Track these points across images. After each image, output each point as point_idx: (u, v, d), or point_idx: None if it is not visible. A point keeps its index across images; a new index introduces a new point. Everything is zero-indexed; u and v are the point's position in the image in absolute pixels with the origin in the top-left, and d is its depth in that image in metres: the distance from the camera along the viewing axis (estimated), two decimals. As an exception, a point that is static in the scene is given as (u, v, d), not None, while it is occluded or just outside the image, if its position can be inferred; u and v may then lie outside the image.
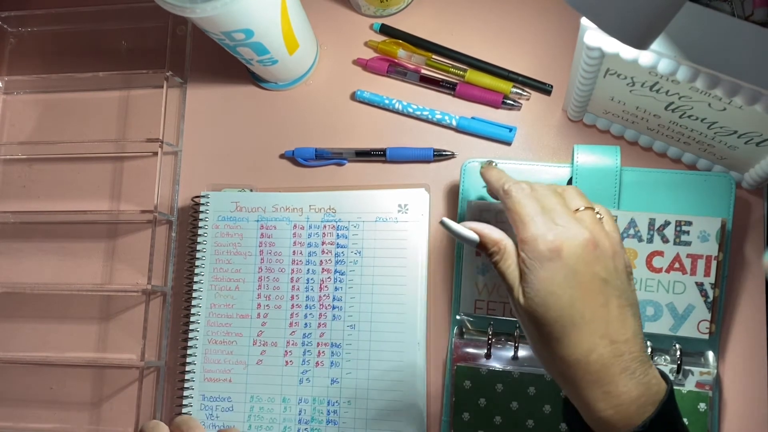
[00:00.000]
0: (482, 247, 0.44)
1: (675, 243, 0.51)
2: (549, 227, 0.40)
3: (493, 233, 0.43)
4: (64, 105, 0.66)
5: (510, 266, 0.42)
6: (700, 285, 0.50)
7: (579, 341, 0.38)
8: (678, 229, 0.51)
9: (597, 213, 0.42)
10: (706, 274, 0.50)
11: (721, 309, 0.51)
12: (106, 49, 0.67)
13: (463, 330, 0.54)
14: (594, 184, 0.52)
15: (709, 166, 0.54)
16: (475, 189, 0.55)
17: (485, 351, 0.52)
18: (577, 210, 0.42)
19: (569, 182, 0.54)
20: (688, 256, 0.50)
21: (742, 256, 0.53)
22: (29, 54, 0.69)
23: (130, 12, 0.66)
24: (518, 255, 0.41)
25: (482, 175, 0.48)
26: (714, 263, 0.50)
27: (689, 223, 0.50)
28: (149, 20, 0.66)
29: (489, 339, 0.52)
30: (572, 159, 0.53)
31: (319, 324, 0.56)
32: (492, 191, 0.46)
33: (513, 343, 0.52)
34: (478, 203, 0.53)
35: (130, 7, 0.66)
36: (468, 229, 0.45)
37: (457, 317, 0.55)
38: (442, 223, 0.45)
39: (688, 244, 0.50)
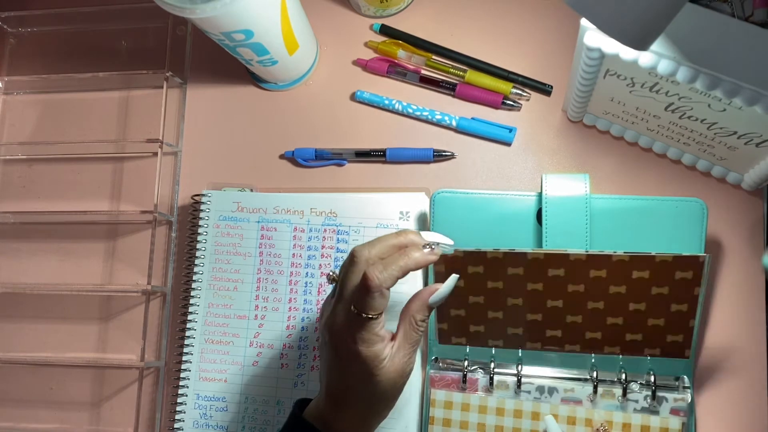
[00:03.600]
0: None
1: None
2: None
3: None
4: (64, 105, 0.66)
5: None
6: None
7: None
8: None
9: None
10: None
11: (696, 335, 0.50)
12: (106, 49, 0.67)
13: (439, 360, 0.54)
14: (564, 214, 0.52)
15: (709, 166, 0.54)
16: (446, 221, 0.54)
17: (461, 381, 0.52)
18: None
19: (538, 213, 0.53)
20: None
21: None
22: (29, 54, 0.69)
23: (130, 12, 0.66)
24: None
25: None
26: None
27: None
28: (149, 20, 0.66)
29: (465, 369, 0.52)
30: (541, 188, 0.53)
31: (316, 328, 0.56)
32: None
33: (489, 374, 0.52)
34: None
35: (130, 7, 0.66)
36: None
37: (434, 348, 0.54)
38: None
39: None
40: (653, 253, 0.47)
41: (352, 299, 0.42)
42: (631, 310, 0.48)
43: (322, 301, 0.56)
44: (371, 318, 0.42)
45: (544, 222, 0.52)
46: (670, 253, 0.46)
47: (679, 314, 0.48)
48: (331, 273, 0.46)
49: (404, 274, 0.43)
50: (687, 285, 0.47)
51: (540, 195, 0.53)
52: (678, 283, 0.47)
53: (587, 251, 0.48)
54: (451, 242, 0.47)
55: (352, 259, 0.43)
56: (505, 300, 0.50)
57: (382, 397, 0.44)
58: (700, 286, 0.47)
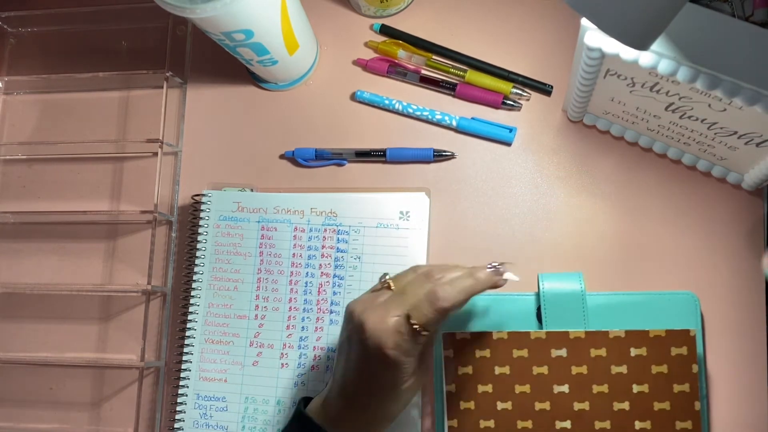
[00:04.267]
0: None
1: None
2: None
3: None
4: (64, 105, 0.66)
5: None
6: None
7: None
8: None
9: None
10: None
11: (705, 421, 0.50)
12: (106, 49, 0.67)
13: None
14: (562, 309, 0.52)
15: (709, 166, 0.54)
16: (444, 326, 0.52)
17: None
18: None
19: (538, 311, 0.53)
20: None
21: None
22: (29, 54, 0.69)
23: (130, 12, 0.66)
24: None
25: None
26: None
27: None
28: (149, 20, 0.66)
29: None
30: (538, 287, 0.53)
31: (316, 328, 0.56)
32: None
33: None
34: None
35: (130, 7, 0.66)
36: None
37: None
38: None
39: None
40: (647, 329, 0.50)
41: (412, 309, 0.43)
42: (635, 392, 0.49)
43: (329, 302, 0.56)
44: (421, 333, 0.42)
45: (543, 320, 0.52)
46: (662, 329, 0.50)
47: (683, 396, 0.49)
48: (386, 279, 0.45)
49: (469, 296, 0.44)
50: (684, 362, 0.49)
51: (538, 294, 0.53)
52: (675, 360, 0.49)
53: (585, 330, 0.51)
54: (517, 278, 0.47)
55: (427, 277, 0.44)
56: (513, 387, 0.51)
57: (393, 410, 0.45)
58: (696, 362, 0.49)
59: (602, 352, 0.50)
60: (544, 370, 0.51)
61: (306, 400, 0.47)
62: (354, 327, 0.44)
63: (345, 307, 0.46)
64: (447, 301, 0.42)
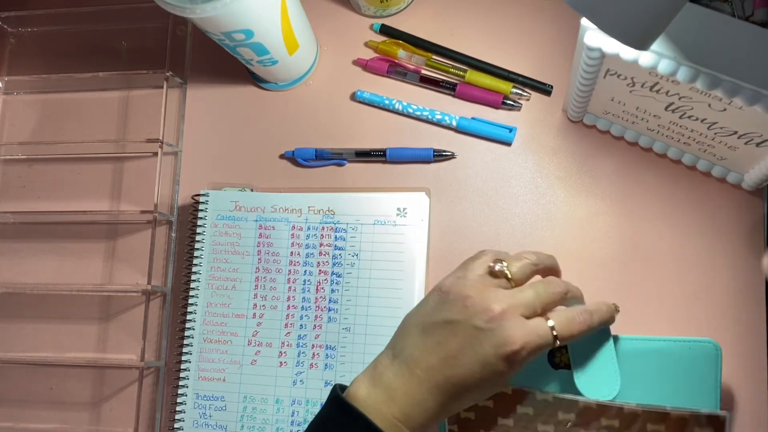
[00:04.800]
0: None
1: None
2: None
3: None
4: (64, 105, 0.66)
5: None
6: None
7: None
8: None
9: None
10: None
11: None
12: (106, 49, 0.67)
13: None
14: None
15: (709, 166, 0.54)
16: None
17: None
18: None
19: (550, 354, 0.49)
20: None
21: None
22: (29, 54, 0.69)
23: (130, 12, 0.66)
24: None
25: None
26: None
27: None
28: (149, 20, 0.66)
29: None
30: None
31: (315, 326, 0.56)
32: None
33: None
34: None
35: (130, 7, 0.66)
36: None
37: None
38: None
39: None
40: (668, 408, 0.43)
41: (560, 320, 0.41)
42: None
43: (327, 300, 0.56)
44: (557, 346, 0.41)
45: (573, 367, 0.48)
46: (686, 409, 0.43)
47: None
48: (503, 267, 0.42)
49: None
50: None
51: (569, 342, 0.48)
52: None
53: (597, 400, 0.45)
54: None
55: (584, 316, 0.43)
56: None
57: (462, 407, 0.43)
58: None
59: (615, 423, 0.45)
60: (550, 429, 0.46)
61: (341, 388, 0.43)
62: (474, 313, 0.40)
63: (442, 283, 0.43)
64: (596, 322, 0.43)
